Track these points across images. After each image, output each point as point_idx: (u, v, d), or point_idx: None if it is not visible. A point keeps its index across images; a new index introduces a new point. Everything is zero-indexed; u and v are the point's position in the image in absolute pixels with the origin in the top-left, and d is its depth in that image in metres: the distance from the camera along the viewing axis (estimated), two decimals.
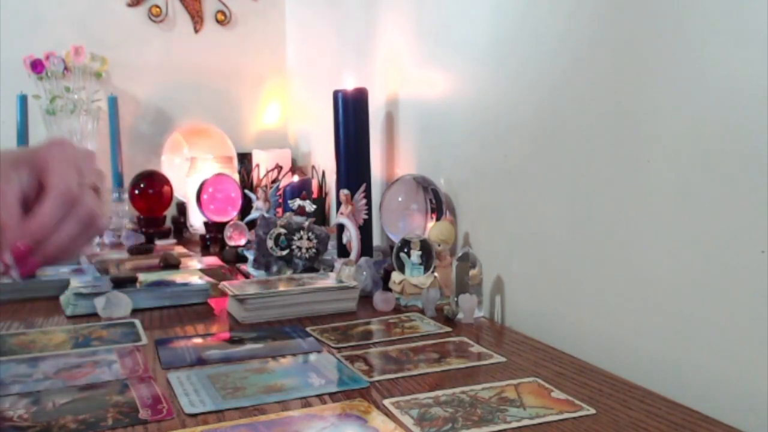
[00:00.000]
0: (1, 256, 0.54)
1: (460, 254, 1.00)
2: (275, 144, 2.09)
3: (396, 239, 1.11)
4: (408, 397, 0.70)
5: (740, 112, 0.65)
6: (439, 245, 1.08)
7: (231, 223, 1.52)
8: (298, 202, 1.37)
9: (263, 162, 1.85)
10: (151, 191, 1.73)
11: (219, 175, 1.64)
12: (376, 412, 0.66)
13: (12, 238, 0.53)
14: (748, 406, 0.65)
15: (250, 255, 1.32)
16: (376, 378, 0.76)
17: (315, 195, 1.71)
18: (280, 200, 1.56)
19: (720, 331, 0.68)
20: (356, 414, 0.66)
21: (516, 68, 0.99)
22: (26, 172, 0.56)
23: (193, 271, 1.26)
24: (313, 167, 1.83)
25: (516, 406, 0.67)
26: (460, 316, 0.97)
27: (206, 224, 1.63)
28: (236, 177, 1.75)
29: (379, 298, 1.05)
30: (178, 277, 1.18)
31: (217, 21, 2.05)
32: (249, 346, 0.88)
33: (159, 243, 1.68)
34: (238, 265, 1.40)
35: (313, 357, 0.83)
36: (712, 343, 0.69)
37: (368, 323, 0.98)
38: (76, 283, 1.09)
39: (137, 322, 0.99)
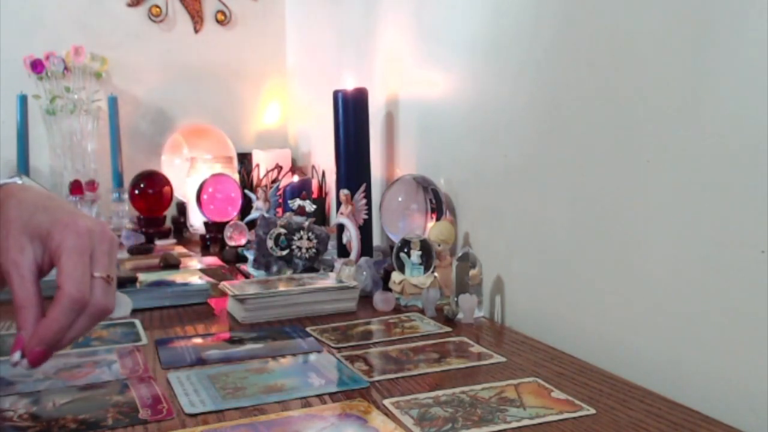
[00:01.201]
0: (17, 321, 0.56)
1: (460, 254, 1.00)
2: (275, 144, 2.09)
3: (396, 239, 1.11)
4: (408, 397, 0.70)
5: (740, 112, 0.65)
6: (439, 245, 1.08)
7: (231, 223, 1.52)
8: (298, 202, 1.37)
9: (263, 162, 1.85)
10: (151, 191, 1.73)
11: (219, 175, 1.64)
12: (376, 412, 0.66)
13: (33, 339, 0.56)
14: (748, 406, 0.65)
15: (250, 255, 1.32)
16: (376, 378, 0.76)
17: (315, 195, 1.72)
18: (280, 200, 1.57)
19: (720, 331, 0.68)
20: (356, 414, 0.66)
21: (516, 68, 0.99)
22: (40, 247, 0.57)
23: (193, 271, 1.26)
24: (313, 167, 1.83)
25: (516, 406, 0.67)
26: (460, 316, 0.97)
27: (206, 224, 1.63)
28: (236, 177, 1.75)
29: (379, 298, 1.05)
30: (178, 277, 1.18)
31: (217, 21, 2.05)
32: (249, 346, 0.88)
33: (159, 243, 1.68)
34: (238, 265, 1.40)
35: (313, 357, 0.83)
36: (712, 343, 0.69)
37: (368, 323, 0.98)
38: None
39: (137, 322, 0.99)
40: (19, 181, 0.63)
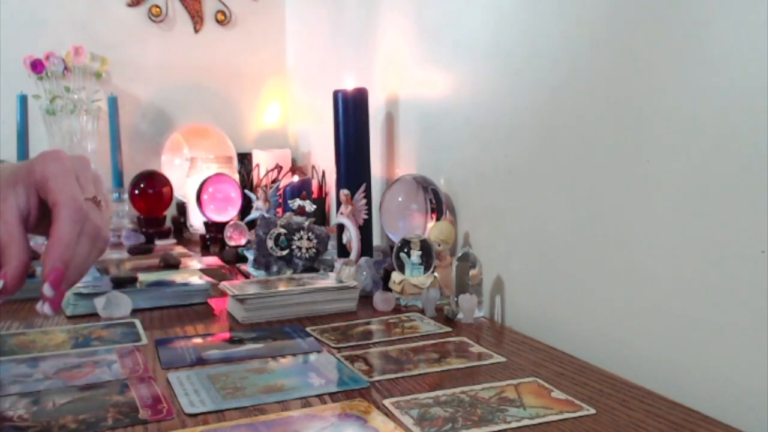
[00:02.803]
0: (2, 274, 0.54)
1: (460, 254, 1.00)
2: (275, 144, 2.09)
3: (396, 239, 1.11)
4: (408, 397, 0.70)
5: (740, 112, 0.65)
6: (439, 245, 1.08)
7: (231, 223, 1.52)
8: (298, 202, 1.37)
9: (263, 162, 1.85)
10: (151, 191, 1.73)
11: (219, 175, 1.64)
12: (376, 412, 0.66)
13: (49, 262, 0.54)
14: (748, 406, 0.65)
15: (250, 255, 1.32)
16: (376, 378, 0.76)
17: (315, 195, 1.72)
18: (280, 200, 1.56)
19: (720, 331, 0.68)
20: (356, 414, 0.66)
21: (516, 68, 0.99)
22: (23, 189, 0.56)
23: (193, 271, 1.26)
24: (313, 167, 1.83)
25: (516, 406, 0.67)
26: (460, 316, 0.97)
27: (206, 224, 1.63)
28: (236, 177, 1.75)
29: (379, 298, 1.05)
30: (178, 277, 1.18)
31: (217, 21, 2.05)
32: (249, 346, 0.88)
33: (159, 243, 1.68)
34: (238, 265, 1.40)
35: (313, 357, 0.83)
36: (712, 343, 0.69)
37: (368, 323, 0.98)
38: None
39: (137, 322, 0.99)
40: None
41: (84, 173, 0.58)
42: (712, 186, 0.68)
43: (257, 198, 1.49)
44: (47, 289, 0.55)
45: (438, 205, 1.16)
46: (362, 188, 1.23)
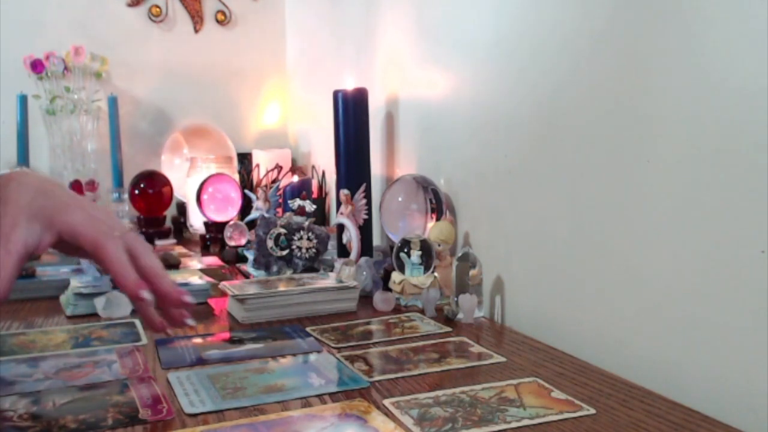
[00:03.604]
0: None
1: (460, 254, 1.00)
2: (275, 144, 2.09)
3: (396, 239, 1.11)
4: (408, 397, 0.70)
5: (740, 112, 0.65)
6: (439, 245, 1.08)
7: (231, 223, 1.52)
8: (298, 202, 1.37)
9: (263, 162, 1.85)
10: (151, 191, 1.73)
11: (219, 175, 1.64)
12: (376, 412, 0.66)
13: (128, 285, 0.62)
14: (748, 406, 0.65)
15: (250, 255, 1.32)
16: (376, 378, 0.76)
17: (315, 195, 1.71)
18: (280, 200, 1.56)
19: (720, 331, 0.68)
20: (356, 414, 0.66)
21: (516, 68, 0.99)
22: (39, 229, 0.60)
23: (193, 271, 1.26)
24: (313, 167, 1.83)
25: (516, 406, 0.67)
26: (460, 316, 0.97)
27: (206, 224, 1.63)
28: (236, 177, 1.75)
29: (379, 298, 1.05)
30: (178, 277, 1.18)
31: (217, 21, 2.05)
32: (249, 346, 0.88)
33: (159, 243, 1.68)
34: (238, 265, 1.40)
35: (313, 357, 0.83)
36: (712, 343, 0.69)
37: (368, 323, 0.98)
38: (76, 283, 1.09)
39: (137, 322, 0.99)
40: (18, 169, 0.65)
41: (102, 212, 0.64)
42: (712, 186, 0.68)
43: (257, 198, 1.49)
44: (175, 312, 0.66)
45: (438, 205, 1.16)
46: (362, 188, 1.23)
